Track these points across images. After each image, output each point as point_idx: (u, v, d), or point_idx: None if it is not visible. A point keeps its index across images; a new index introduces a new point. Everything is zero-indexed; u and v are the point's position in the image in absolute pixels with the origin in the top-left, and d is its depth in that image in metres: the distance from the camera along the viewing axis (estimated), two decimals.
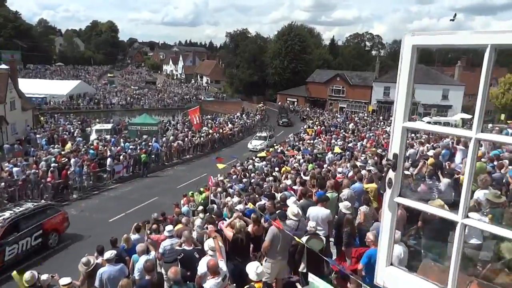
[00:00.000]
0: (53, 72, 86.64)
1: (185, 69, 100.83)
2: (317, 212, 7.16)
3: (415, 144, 16.39)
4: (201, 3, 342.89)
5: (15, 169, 16.91)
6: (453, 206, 2.30)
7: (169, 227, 7.95)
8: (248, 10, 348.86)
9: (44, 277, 6.95)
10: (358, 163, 12.30)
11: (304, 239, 6.18)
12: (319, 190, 9.57)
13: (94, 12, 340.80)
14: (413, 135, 25.44)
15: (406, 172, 9.48)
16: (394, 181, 2.14)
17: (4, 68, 32.32)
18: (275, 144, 27.44)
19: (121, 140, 26.18)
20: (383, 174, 2.23)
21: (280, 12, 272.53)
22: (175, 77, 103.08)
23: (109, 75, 79.01)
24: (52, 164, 18.22)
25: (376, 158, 13.35)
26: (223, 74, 77.84)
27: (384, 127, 34.49)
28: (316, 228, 6.58)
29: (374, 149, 19.54)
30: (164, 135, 29.72)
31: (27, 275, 6.81)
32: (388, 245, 2.25)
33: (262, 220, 7.27)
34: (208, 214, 9.85)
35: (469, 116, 31.11)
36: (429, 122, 11.98)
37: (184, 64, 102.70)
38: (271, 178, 14.52)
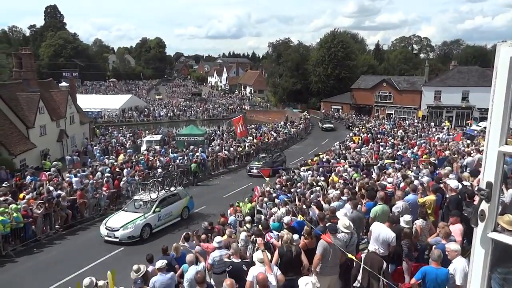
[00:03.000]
0: (107, 88, 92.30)
1: (229, 80, 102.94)
2: (380, 230, 6.57)
3: (472, 152, 15.30)
4: (244, 16, 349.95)
5: (74, 179, 18.05)
6: None
7: (218, 238, 8.03)
8: (289, 20, 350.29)
9: (100, 283, 7.30)
10: (410, 173, 11.69)
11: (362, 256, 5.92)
12: (369, 201, 9.22)
13: (144, 30, 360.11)
14: (469, 141, 23.99)
15: (466, 183, 8.86)
16: (487, 213, 1.87)
17: (64, 86, 34.93)
18: (320, 153, 26.95)
19: (170, 150, 27.14)
20: (475, 205, 1.97)
21: (322, 20, 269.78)
22: (219, 88, 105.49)
23: (157, 96, 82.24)
24: (107, 174, 19.25)
25: (430, 167, 12.62)
26: (266, 83, 78.36)
27: (436, 133, 32.71)
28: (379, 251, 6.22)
29: (426, 156, 18.59)
30: (210, 145, 30.37)
31: (86, 280, 7.21)
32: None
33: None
34: (255, 224, 9.83)
35: None
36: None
37: (228, 75, 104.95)
38: (317, 188, 14.24)
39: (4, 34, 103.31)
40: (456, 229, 6.23)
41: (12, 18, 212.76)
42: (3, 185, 16.22)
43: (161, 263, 7.61)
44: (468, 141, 23.24)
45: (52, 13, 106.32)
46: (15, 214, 12.94)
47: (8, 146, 22.37)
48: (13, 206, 13.29)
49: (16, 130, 23.98)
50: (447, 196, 7.87)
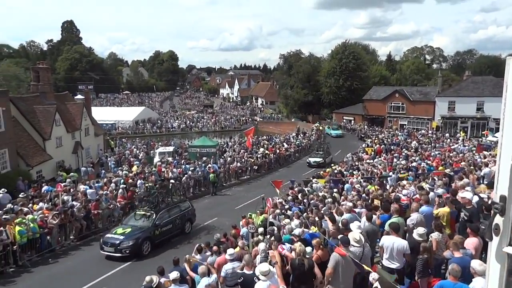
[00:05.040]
0: (121, 100, 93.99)
1: (241, 92, 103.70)
2: (392, 242, 6.56)
3: (490, 163, 15.02)
4: (255, 28, 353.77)
5: (89, 190, 18.29)
6: None
7: (230, 251, 8.02)
8: (300, 31, 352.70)
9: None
10: (425, 185, 11.52)
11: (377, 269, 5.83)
12: (383, 213, 9.10)
13: (157, 43, 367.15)
14: (486, 152, 23.54)
15: (482, 195, 8.70)
16: (502, 227, 1.84)
17: (80, 99, 35.69)
18: (332, 164, 26.79)
19: (182, 162, 27.35)
20: (490, 219, 1.95)
21: (334, 32, 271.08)
22: (231, 100, 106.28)
23: (171, 110, 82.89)
24: (121, 186, 19.48)
25: (445, 179, 12.41)
26: (278, 95, 78.65)
27: (451, 144, 32.21)
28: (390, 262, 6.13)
29: (442, 167, 18.29)
30: (222, 156, 30.51)
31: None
32: None
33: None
34: (268, 236, 9.79)
35: None
36: None
37: (239, 87, 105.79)
38: (329, 199, 14.12)
39: (23, 49, 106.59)
40: (470, 242, 6.10)
41: (31, 33, 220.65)
42: (20, 195, 16.56)
43: (175, 274, 7.63)
44: (485, 152, 22.81)
45: (69, 28, 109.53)
46: (32, 225, 13.17)
47: (26, 157, 22.87)
48: (30, 216, 13.54)
49: (33, 142, 24.53)
50: (463, 208, 7.72)
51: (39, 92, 28.60)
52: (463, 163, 18.91)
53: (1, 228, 12.30)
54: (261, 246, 8.23)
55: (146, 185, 18.39)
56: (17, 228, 12.62)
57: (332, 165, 26.37)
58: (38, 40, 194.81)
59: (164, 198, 16.02)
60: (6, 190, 17.13)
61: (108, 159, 31.07)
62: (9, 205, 14.90)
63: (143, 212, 15.01)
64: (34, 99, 27.31)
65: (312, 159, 32.15)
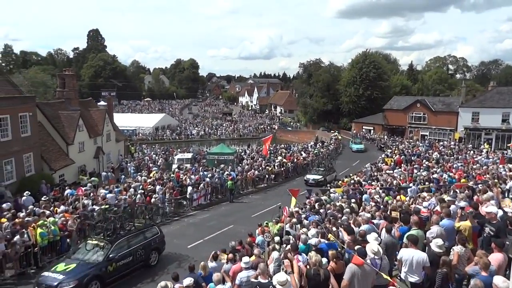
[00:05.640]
0: (142, 107, 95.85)
1: (260, 100, 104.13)
2: (411, 255, 6.38)
3: None
4: (276, 37, 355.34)
5: (109, 195, 18.65)
6: None
7: (246, 259, 7.98)
8: (321, 40, 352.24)
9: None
10: (446, 197, 11.19)
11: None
12: (402, 225, 8.89)
13: (179, 51, 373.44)
14: (510, 165, 22.71)
15: (507, 209, 8.37)
16: None
17: (103, 105, 36.62)
18: (351, 174, 26.42)
19: (200, 168, 27.57)
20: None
21: (355, 41, 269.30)
22: (250, 108, 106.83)
23: (192, 117, 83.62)
24: (139, 191, 19.77)
25: (467, 191, 12.03)
26: (297, 103, 78.58)
27: (474, 156, 31.26)
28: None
29: (464, 180, 17.76)
30: (240, 164, 30.58)
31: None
32: None
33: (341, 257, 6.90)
34: (284, 245, 9.69)
35: None
36: None
37: (258, 96, 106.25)
38: (347, 210, 13.90)
39: (50, 57, 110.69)
40: (494, 258, 5.86)
41: (58, 42, 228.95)
42: (42, 198, 17.03)
43: (188, 281, 7.64)
44: (510, 165, 22.02)
45: (94, 37, 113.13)
46: (52, 227, 13.50)
47: (49, 161, 23.56)
48: (51, 219, 13.88)
49: (56, 147, 25.27)
50: (488, 223, 7.45)
51: (64, 98, 29.53)
52: (487, 175, 18.29)
53: (23, 230, 12.67)
54: (275, 254, 8.15)
55: (102, 207, 16.13)
56: (39, 230, 12.96)
57: (351, 175, 25.95)
58: (65, 48, 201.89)
59: (124, 223, 13.07)
60: (30, 193, 17.65)
61: (128, 164, 31.64)
62: (31, 207, 15.32)
63: (96, 242, 11.93)
64: (59, 104, 28.21)
65: (310, 177, 28.01)
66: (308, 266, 6.83)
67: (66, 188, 20.37)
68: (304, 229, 11.09)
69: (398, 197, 15.74)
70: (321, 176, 28.02)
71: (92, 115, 31.48)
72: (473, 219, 7.78)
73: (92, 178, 24.40)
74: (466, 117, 45.26)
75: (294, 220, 13.19)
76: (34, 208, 15.23)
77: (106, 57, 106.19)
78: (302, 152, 37.58)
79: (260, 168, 29.00)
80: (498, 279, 4.90)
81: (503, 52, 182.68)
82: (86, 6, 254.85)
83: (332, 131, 56.91)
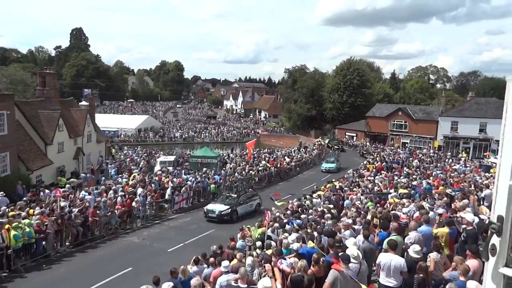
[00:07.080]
0: (125, 108, 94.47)
1: (244, 104, 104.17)
2: (389, 260, 6.50)
3: (491, 184, 14.91)
4: (262, 42, 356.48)
5: (88, 197, 18.23)
6: None
7: (225, 263, 7.91)
8: (307, 47, 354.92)
9: None
10: (425, 204, 11.41)
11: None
12: (382, 231, 9.00)
13: (164, 53, 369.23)
14: (487, 174, 23.40)
15: (483, 216, 8.60)
16: (499, 248, 1.84)
17: (84, 105, 35.91)
18: (333, 180, 26.64)
19: (183, 171, 27.29)
20: (486, 239, 1.92)
21: (340, 48, 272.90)
22: (234, 112, 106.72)
23: (174, 119, 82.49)
24: (120, 193, 19.40)
25: (445, 199, 12.30)
26: (281, 108, 78.97)
27: (452, 164, 32.07)
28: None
29: (442, 187, 18.15)
30: (223, 168, 30.44)
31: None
32: None
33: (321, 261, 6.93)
34: (265, 250, 9.67)
35: None
36: None
37: (243, 100, 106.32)
38: (329, 215, 14.00)
39: (31, 54, 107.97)
40: (470, 264, 6.00)
41: (40, 39, 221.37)
42: (24, 199, 16.51)
43: (167, 285, 7.52)
44: (487, 174, 22.68)
45: (77, 35, 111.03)
46: (27, 229, 13.09)
47: (26, 161, 22.89)
48: (26, 221, 13.46)
49: (35, 147, 24.58)
50: (462, 229, 7.62)
51: (44, 97, 28.79)
52: (464, 183, 18.77)
53: None
54: (248, 260, 8.09)
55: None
56: (13, 232, 12.54)
57: (333, 180, 26.18)
58: (47, 46, 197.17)
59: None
60: (4, 194, 17.08)
61: (109, 166, 31.05)
62: (3, 208, 14.82)
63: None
64: (39, 103, 27.47)
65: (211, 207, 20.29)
66: (293, 270, 6.82)
67: (41, 189, 19.79)
68: (286, 234, 11.12)
69: (369, 204, 15.58)
70: (228, 207, 20.19)
71: (73, 115, 30.80)
72: (450, 225, 7.94)
73: (71, 180, 23.82)
74: (445, 126, 46.45)
75: (276, 224, 13.20)
76: (7, 209, 14.72)
77: (89, 56, 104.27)
78: (286, 157, 37.69)
79: (243, 172, 28.92)
80: (471, 284, 5.02)
81: (481, 64, 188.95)
82: (72, 4, 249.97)
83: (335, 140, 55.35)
